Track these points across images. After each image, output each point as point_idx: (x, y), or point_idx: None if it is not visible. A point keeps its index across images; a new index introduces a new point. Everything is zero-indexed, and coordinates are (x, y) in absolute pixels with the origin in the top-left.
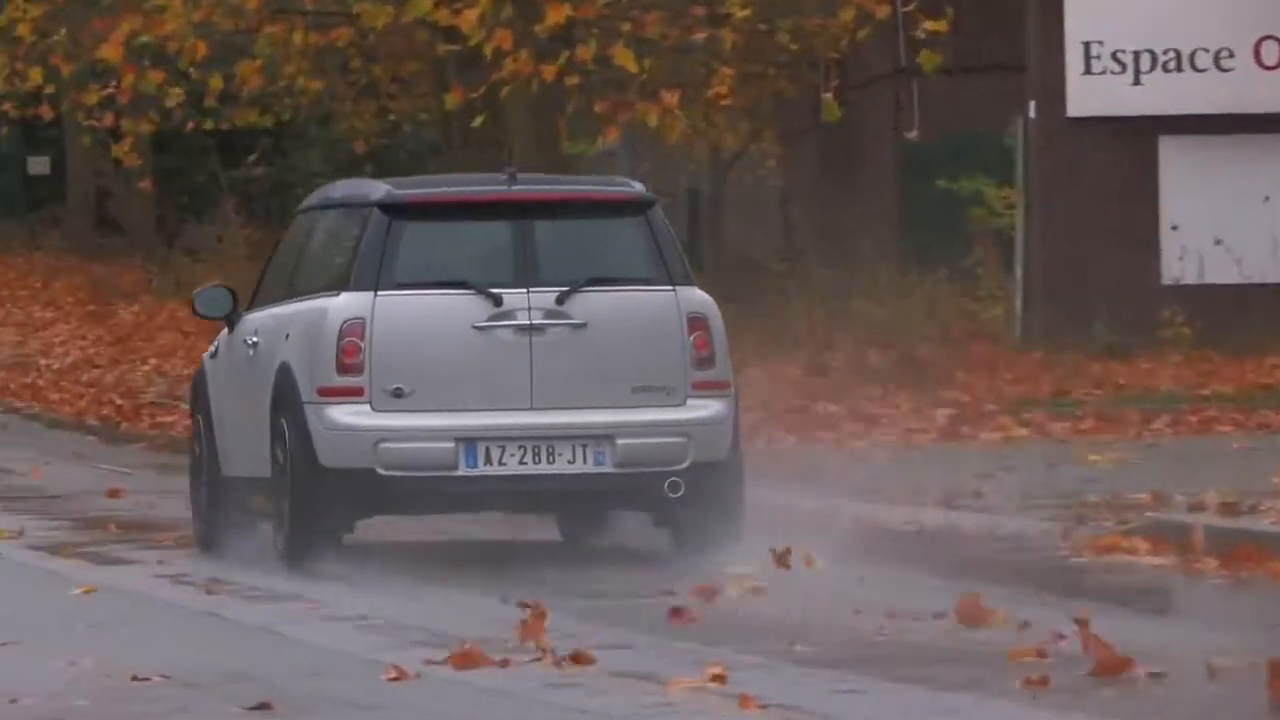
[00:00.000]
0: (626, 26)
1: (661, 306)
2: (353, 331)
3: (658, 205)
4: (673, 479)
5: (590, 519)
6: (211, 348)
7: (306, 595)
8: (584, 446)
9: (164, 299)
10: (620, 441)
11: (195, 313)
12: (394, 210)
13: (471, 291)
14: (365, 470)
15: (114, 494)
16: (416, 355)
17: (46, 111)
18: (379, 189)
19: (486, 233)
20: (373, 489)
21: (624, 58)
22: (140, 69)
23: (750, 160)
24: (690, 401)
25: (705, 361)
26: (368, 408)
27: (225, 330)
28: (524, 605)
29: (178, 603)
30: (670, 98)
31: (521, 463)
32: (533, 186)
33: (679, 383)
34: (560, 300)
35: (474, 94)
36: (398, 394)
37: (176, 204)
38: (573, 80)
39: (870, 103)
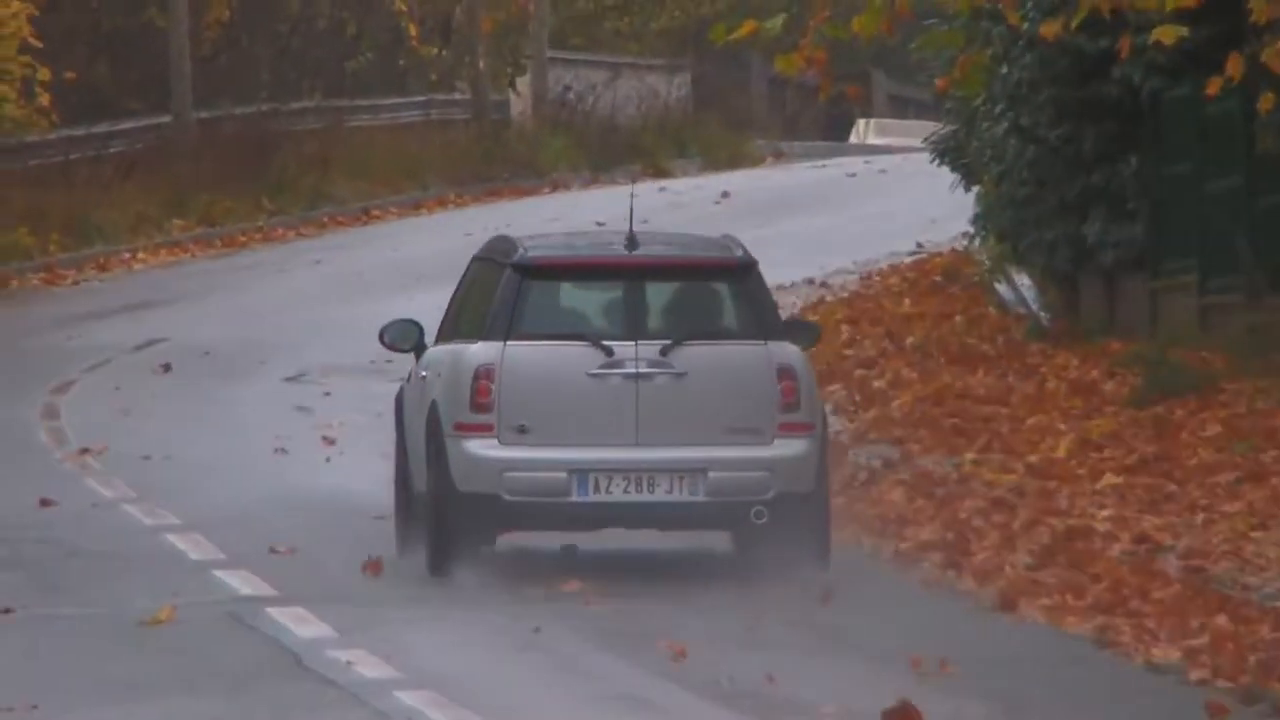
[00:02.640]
0: None
1: (753, 359)
2: (485, 375)
3: (757, 268)
4: (757, 508)
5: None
6: (407, 373)
7: None
8: (680, 479)
9: None
10: (712, 475)
11: (383, 344)
12: (525, 270)
13: (587, 343)
14: (492, 495)
15: None
16: (538, 397)
17: None
18: (516, 250)
19: (603, 291)
20: (498, 511)
21: None
22: None
23: None
24: (777, 441)
25: (791, 406)
26: (495, 441)
27: (414, 360)
28: None
29: None
30: None
31: (625, 492)
32: (647, 251)
33: (767, 425)
34: (664, 352)
35: None
36: (521, 430)
37: None
38: None
39: None
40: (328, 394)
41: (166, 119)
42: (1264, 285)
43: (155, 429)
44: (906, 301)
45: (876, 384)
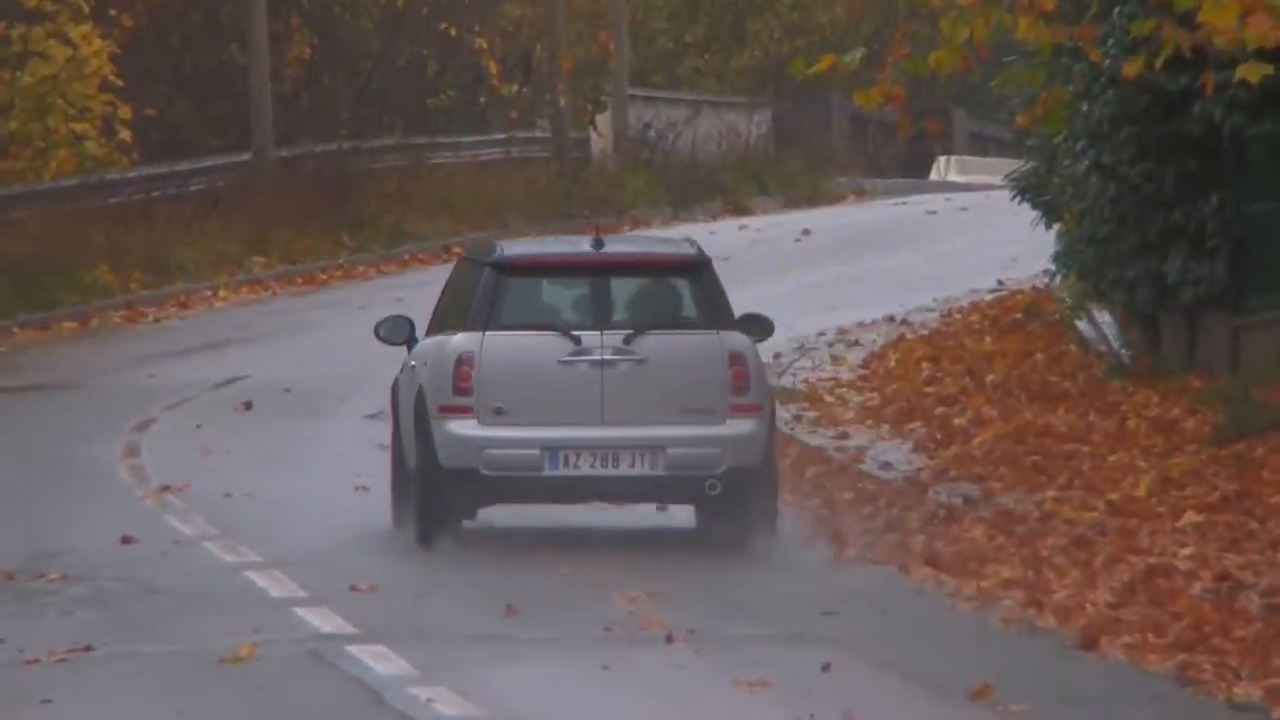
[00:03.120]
0: None
1: (707, 346)
2: (466, 363)
3: (710, 265)
4: (711, 480)
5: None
6: (401, 365)
7: None
8: (642, 454)
9: None
10: (670, 451)
11: (378, 337)
12: (502, 268)
13: (557, 333)
14: (472, 470)
15: None
16: (513, 382)
17: None
18: (495, 250)
19: (573, 286)
20: (478, 485)
21: None
22: None
23: None
24: (728, 421)
25: (741, 390)
26: (475, 422)
27: (406, 351)
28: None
29: None
30: None
31: (593, 467)
32: (613, 250)
33: (719, 406)
34: (627, 341)
35: None
36: (499, 412)
37: None
38: None
39: None
40: None
41: (247, 157)
42: None
43: (236, 467)
44: (987, 339)
45: (957, 421)
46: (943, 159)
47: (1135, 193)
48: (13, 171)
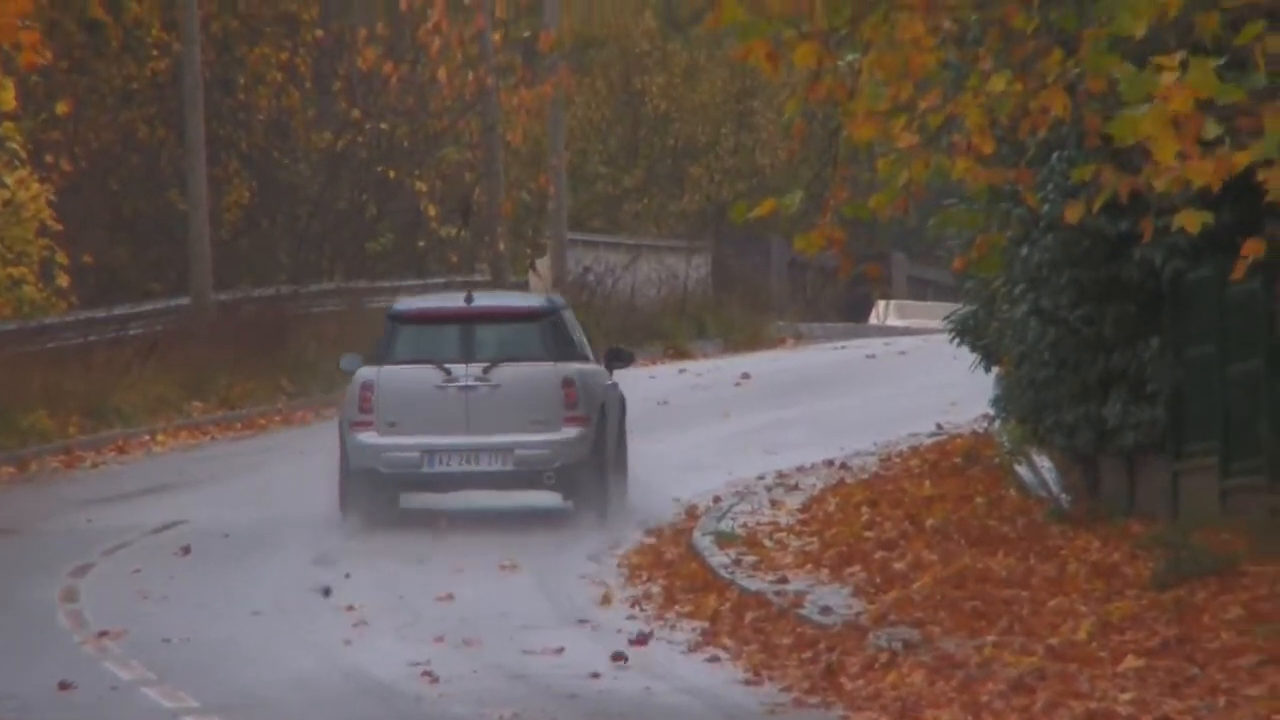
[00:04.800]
0: None
1: (546, 373)
2: (368, 389)
3: (554, 313)
4: (548, 474)
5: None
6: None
7: None
8: (496, 455)
9: None
10: (518, 452)
11: (340, 369)
12: (396, 318)
13: (435, 365)
14: (374, 469)
15: None
16: (402, 403)
17: None
18: (396, 307)
19: (449, 330)
20: (378, 480)
21: None
22: None
23: None
24: (562, 429)
25: (572, 405)
26: (375, 433)
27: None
28: None
29: None
30: None
31: (460, 464)
32: (479, 303)
33: (555, 418)
34: (485, 371)
35: None
36: (392, 425)
37: None
38: None
39: None
40: (348, 576)
41: (186, 301)
42: None
43: (175, 611)
44: (927, 483)
45: (897, 566)
46: (882, 303)
47: (1075, 336)
48: None
